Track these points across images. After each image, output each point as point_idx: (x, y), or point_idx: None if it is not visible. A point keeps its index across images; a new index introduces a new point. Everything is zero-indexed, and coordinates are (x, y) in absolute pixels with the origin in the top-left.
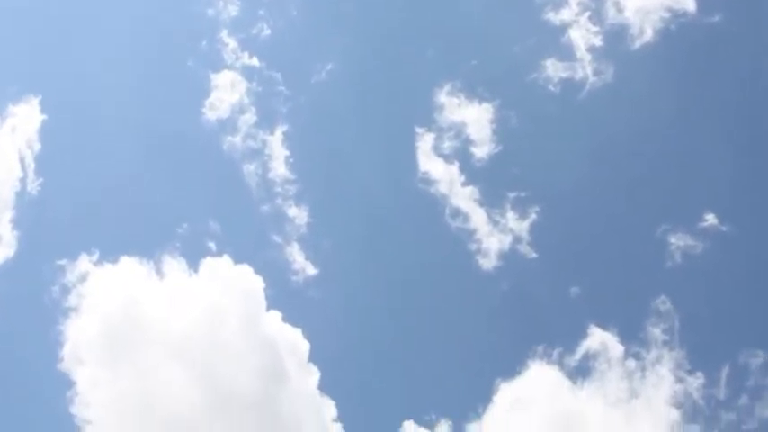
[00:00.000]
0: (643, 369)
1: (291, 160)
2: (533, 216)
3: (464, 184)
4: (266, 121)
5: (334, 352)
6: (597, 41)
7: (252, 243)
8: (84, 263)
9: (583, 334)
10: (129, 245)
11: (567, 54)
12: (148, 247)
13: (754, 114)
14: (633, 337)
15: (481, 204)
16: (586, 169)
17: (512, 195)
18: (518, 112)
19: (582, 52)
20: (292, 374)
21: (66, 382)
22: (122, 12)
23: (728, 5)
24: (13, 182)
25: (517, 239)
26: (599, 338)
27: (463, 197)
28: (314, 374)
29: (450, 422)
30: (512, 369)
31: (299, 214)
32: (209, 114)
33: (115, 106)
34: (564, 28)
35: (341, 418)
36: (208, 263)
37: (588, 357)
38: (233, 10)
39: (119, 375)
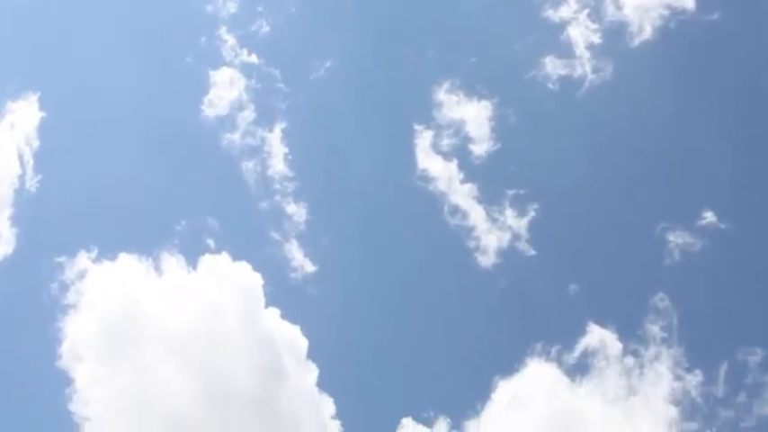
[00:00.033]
0: (641, 366)
1: (290, 157)
2: (532, 213)
3: (463, 182)
4: (265, 118)
5: (333, 349)
6: (596, 39)
7: (250, 240)
8: (83, 260)
9: (581, 331)
10: (128, 242)
11: (565, 51)
12: (147, 244)
13: (753, 112)
14: (632, 335)
15: (480, 201)
16: (585, 167)
17: (510, 193)
18: (517, 110)
19: (581, 50)
20: (291, 371)
21: (65, 380)
22: (121, 8)
23: (727, 3)
24: (11, 179)
25: (516, 237)
26: (597, 336)
27: (462, 194)
28: (312, 371)
29: (449, 419)
30: (510, 366)
31: (297, 211)
32: (208, 111)
33: (114, 103)
34: (563, 25)
35: (339, 415)
36: (206, 260)
37: (587, 355)
38: (232, 7)
39: (117, 372)
